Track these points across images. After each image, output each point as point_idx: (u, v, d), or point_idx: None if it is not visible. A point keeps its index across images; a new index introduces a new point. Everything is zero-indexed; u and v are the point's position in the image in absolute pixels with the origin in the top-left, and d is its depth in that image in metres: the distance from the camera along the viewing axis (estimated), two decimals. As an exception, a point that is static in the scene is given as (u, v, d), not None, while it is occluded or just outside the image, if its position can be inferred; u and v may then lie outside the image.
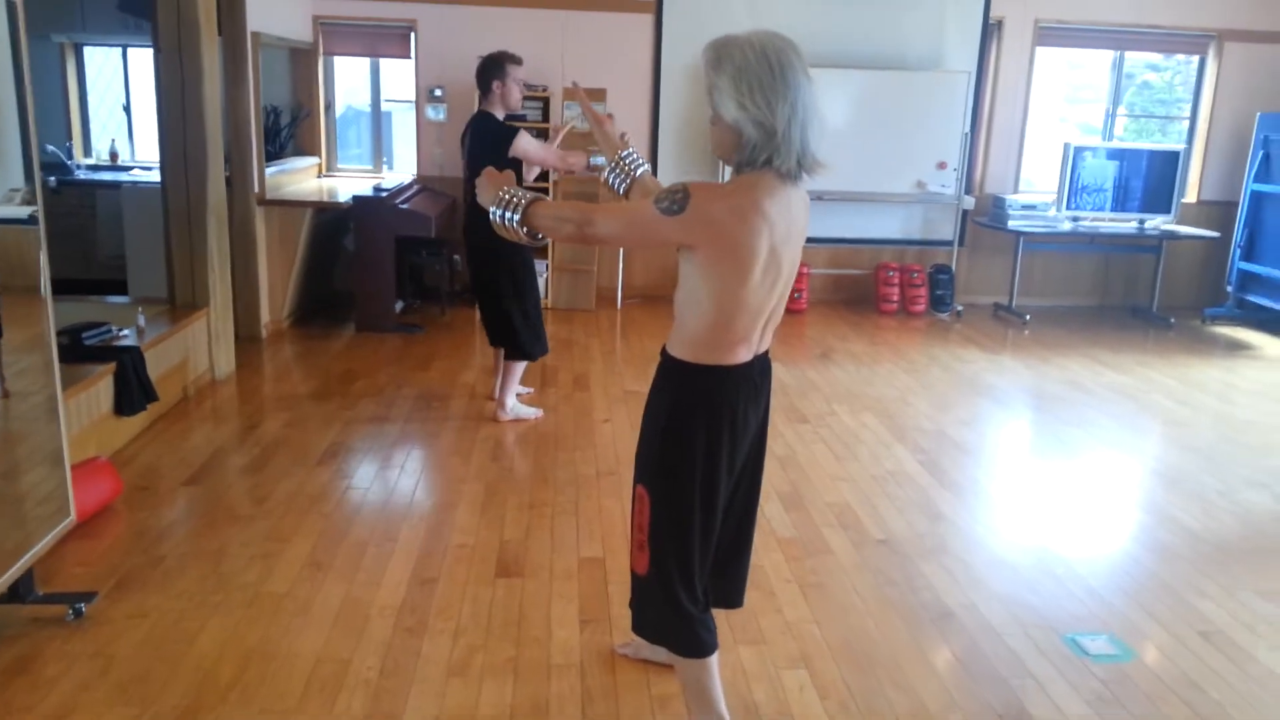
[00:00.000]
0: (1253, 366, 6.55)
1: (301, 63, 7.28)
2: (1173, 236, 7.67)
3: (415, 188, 7.03)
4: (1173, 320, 7.73)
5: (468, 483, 4.05)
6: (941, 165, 7.46)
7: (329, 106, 7.62)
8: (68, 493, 3.04)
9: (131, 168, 7.72)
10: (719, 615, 2.45)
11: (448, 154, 7.41)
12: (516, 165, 4.42)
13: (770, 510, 3.83)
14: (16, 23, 2.74)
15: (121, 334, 4.43)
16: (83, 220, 7.09)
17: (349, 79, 7.89)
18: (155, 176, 6.41)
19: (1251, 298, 7.70)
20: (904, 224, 7.81)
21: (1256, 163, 7.60)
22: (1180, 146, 7.76)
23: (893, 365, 6.19)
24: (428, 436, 4.58)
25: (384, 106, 7.89)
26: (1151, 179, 7.61)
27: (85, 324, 4.33)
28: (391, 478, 4.10)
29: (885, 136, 7.34)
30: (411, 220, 6.34)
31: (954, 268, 7.81)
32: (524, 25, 7.22)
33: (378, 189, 6.58)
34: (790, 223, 2.03)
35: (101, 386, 4.05)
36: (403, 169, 7.88)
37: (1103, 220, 7.69)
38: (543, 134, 6.76)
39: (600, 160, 4.62)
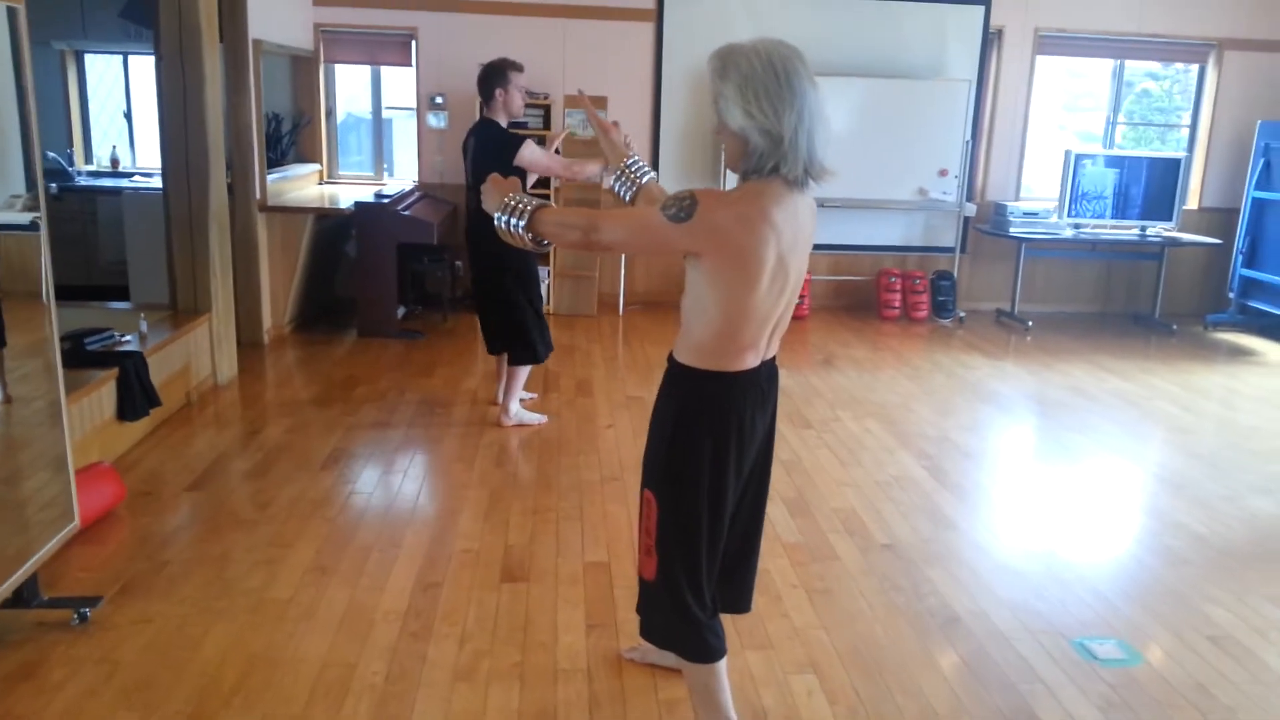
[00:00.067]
0: (1255, 372, 6.55)
1: (302, 70, 7.28)
2: (1175, 243, 7.68)
3: (417, 194, 7.03)
4: (1175, 326, 7.73)
5: (471, 488, 4.04)
6: (943, 172, 7.47)
7: (330, 114, 7.63)
8: (72, 498, 3.03)
9: (132, 174, 7.72)
10: (726, 620, 2.44)
11: (449, 161, 7.41)
12: (520, 174, 4.41)
13: (776, 515, 3.82)
14: (18, 30, 2.74)
15: (124, 339, 4.42)
16: (84, 226, 7.07)
17: (350, 86, 7.90)
18: (156, 183, 6.41)
19: (1253, 304, 7.71)
20: (906, 231, 7.82)
21: (1257, 170, 7.62)
22: (1181, 154, 7.77)
23: (895, 371, 6.18)
24: (431, 442, 4.56)
25: (385, 114, 7.89)
26: (1153, 186, 7.62)
27: (88, 330, 4.31)
28: (395, 483, 4.09)
29: (887, 144, 7.35)
30: (413, 227, 6.34)
31: (956, 274, 7.82)
32: (525, 33, 7.23)
33: (380, 195, 6.58)
34: (797, 230, 2.02)
35: (104, 392, 4.04)
36: (403, 176, 7.88)
37: (1104, 227, 7.70)
38: (543, 142, 6.77)
39: (594, 170, 4.61)
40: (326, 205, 6.62)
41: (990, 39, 7.63)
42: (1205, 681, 2.83)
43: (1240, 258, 7.76)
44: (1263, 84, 7.96)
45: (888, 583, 3.35)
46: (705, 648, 2.26)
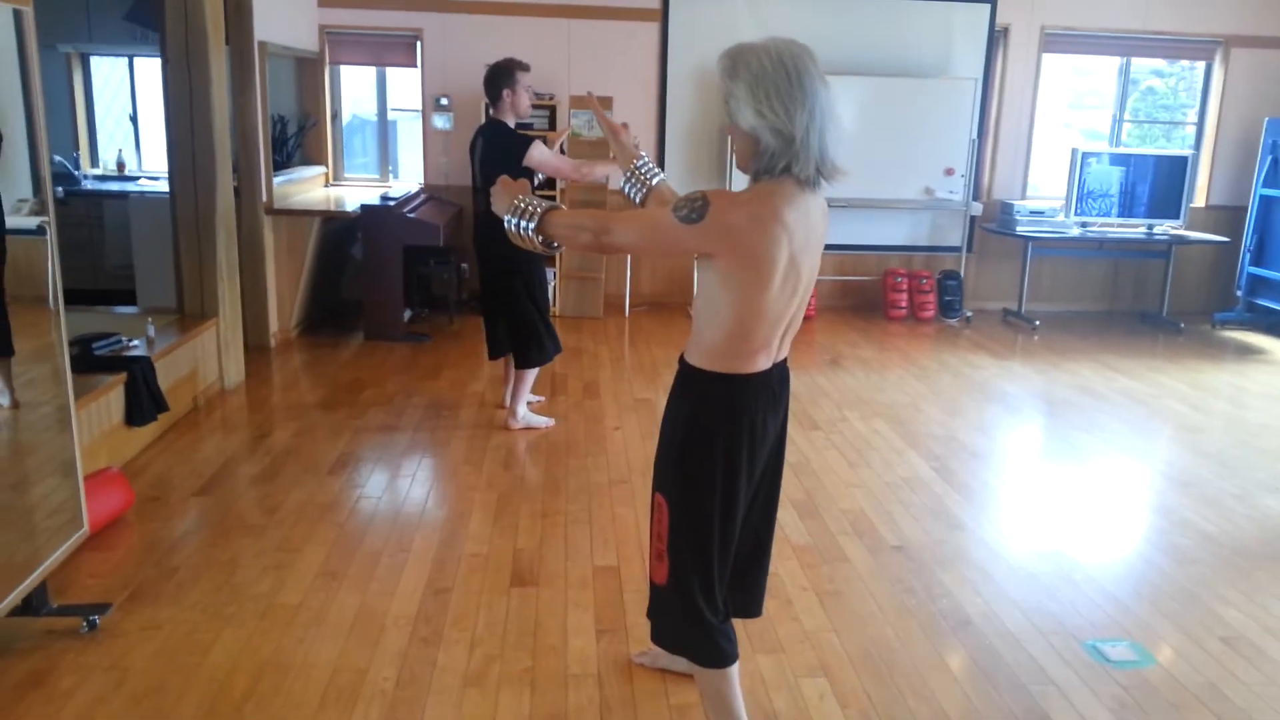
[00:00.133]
0: (1264, 371, 6.52)
1: (308, 72, 7.28)
2: (1182, 241, 7.65)
3: (422, 197, 7.03)
4: (1182, 325, 7.71)
5: (480, 491, 4.03)
6: (949, 172, 7.45)
7: (335, 116, 7.63)
8: (80, 504, 3.02)
9: (138, 178, 7.73)
10: (736, 624, 2.42)
11: (454, 163, 7.41)
12: (529, 174, 4.40)
13: (785, 518, 3.81)
14: (26, 33, 2.74)
15: (131, 344, 4.42)
16: (90, 231, 7.09)
17: (355, 88, 7.90)
18: (162, 186, 6.42)
19: (1261, 302, 7.68)
20: (912, 230, 7.80)
21: (1265, 167, 7.58)
22: (1188, 152, 7.75)
23: (903, 371, 6.17)
24: (438, 445, 4.56)
25: (390, 115, 7.89)
26: (1159, 184, 7.60)
27: (95, 334, 4.32)
28: (403, 487, 4.08)
29: (893, 143, 7.33)
30: (419, 229, 6.33)
31: (962, 274, 7.80)
32: (530, 34, 7.23)
33: (385, 198, 6.58)
34: (809, 230, 2.01)
35: (112, 397, 4.04)
36: (408, 178, 7.88)
37: (1111, 226, 7.67)
38: (546, 143, 6.75)
39: (602, 172, 4.60)
40: (332, 208, 6.62)
41: (996, 37, 7.60)
42: (1218, 682, 2.81)
43: (1248, 255, 7.73)
44: (1270, 81, 7.93)
45: (898, 585, 3.33)
46: (718, 652, 2.25)
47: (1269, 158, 7.57)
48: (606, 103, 7.35)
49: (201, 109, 4.96)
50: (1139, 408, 5.54)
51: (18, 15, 2.71)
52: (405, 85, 7.75)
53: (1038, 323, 7.57)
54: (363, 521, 3.71)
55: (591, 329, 7.00)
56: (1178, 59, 8.22)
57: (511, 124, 4.51)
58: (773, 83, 1.92)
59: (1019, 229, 7.45)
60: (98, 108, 7.95)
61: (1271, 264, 7.56)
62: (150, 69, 7.79)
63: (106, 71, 7.93)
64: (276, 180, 6.24)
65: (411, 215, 6.36)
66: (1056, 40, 7.79)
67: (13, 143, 2.76)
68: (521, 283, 4.53)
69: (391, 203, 6.39)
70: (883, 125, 7.28)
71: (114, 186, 7.39)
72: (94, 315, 5.09)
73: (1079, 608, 3.21)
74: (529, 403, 4.90)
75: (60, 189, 6.97)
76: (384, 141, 7.90)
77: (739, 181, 2.05)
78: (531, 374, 4.71)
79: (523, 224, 2.13)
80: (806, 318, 7.50)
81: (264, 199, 5.99)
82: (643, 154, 2.61)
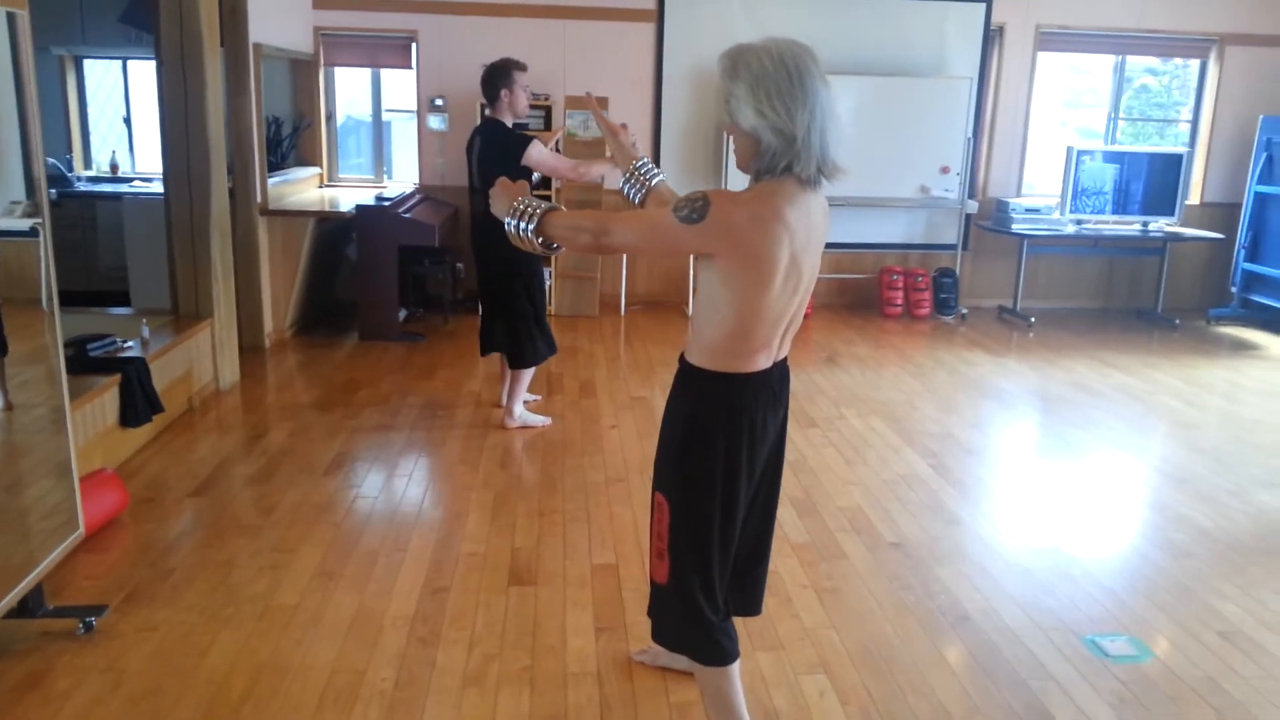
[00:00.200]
0: (1258, 366, 6.54)
1: (302, 73, 7.27)
2: (1177, 238, 7.67)
3: (417, 197, 7.02)
4: (1177, 321, 7.72)
5: (476, 491, 4.02)
6: (945, 170, 7.46)
7: (330, 117, 7.62)
8: (76, 505, 3.01)
9: (132, 179, 7.70)
10: (736, 621, 2.41)
11: (449, 163, 7.40)
12: (526, 174, 4.39)
13: (784, 515, 3.80)
14: (20, 36, 2.73)
15: (126, 345, 4.41)
16: (84, 232, 7.06)
17: (349, 89, 7.88)
18: (156, 188, 6.40)
19: (1256, 298, 7.70)
20: (908, 228, 7.81)
21: (1260, 165, 7.60)
22: (1183, 149, 7.77)
23: (898, 369, 6.17)
24: (434, 445, 4.55)
25: (384, 116, 7.87)
26: (1154, 182, 7.61)
27: (90, 336, 4.30)
28: (399, 486, 4.07)
29: (889, 142, 7.34)
30: (415, 229, 6.32)
31: (958, 271, 7.80)
32: (525, 34, 7.22)
33: (380, 198, 6.57)
34: (810, 229, 2.00)
35: (107, 398, 4.02)
36: (403, 178, 7.87)
37: (1106, 223, 7.68)
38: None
39: (600, 172, 4.59)
40: (327, 208, 6.61)
41: (991, 36, 7.61)
42: (1216, 676, 2.82)
43: (1243, 252, 7.75)
44: (1265, 78, 7.94)
45: (897, 581, 3.33)
46: (718, 651, 2.24)
47: (1263, 155, 7.58)
48: (602, 103, 7.34)
49: (196, 111, 4.95)
50: (1134, 404, 5.55)
51: (12, 18, 2.70)
52: (400, 86, 7.74)
53: (1033, 320, 7.58)
54: (359, 521, 3.70)
55: (587, 328, 7.00)
56: (1173, 57, 8.24)
57: (509, 124, 4.51)
58: (774, 82, 1.91)
59: (1014, 227, 7.46)
60: (91, 110, 7.93)
61: (1266, 260, 7.58)
62: (144, 71, 7.77)
63: (100, 74, 7.91)
64: (271, 181, 6.23)
65: (406, 215, 6.35)
66: (1051, 39, 7.80)
67: (6, 145, 2.75)
68: (521, 284, 4.53)
69: (386, 203, 6.39)
70: (879, 124, 7.28)
71: (107, 188, 7.36)
72: (88, 316, 5.07)
73: (1077, 603, 3.22)
74: (525, 401, 4.90)
75: (54, 191, 6.94)
76: (379, 142, 7.88)
77: (735, 181, 2.05)
78: (528, 373, 4.71)
79: (522, 225, 2.13)
80: (804, 316, 7.51)
81: (259, 200, 5.98)
82: (641, 155, 2.60)
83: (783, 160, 1.95)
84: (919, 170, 7.46)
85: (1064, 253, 8.01)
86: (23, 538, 2.78)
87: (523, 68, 4.52)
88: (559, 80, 7.32)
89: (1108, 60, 8.11)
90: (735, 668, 2.29)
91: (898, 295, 7.74)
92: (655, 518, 2.24)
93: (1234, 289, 7.87)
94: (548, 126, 7.20)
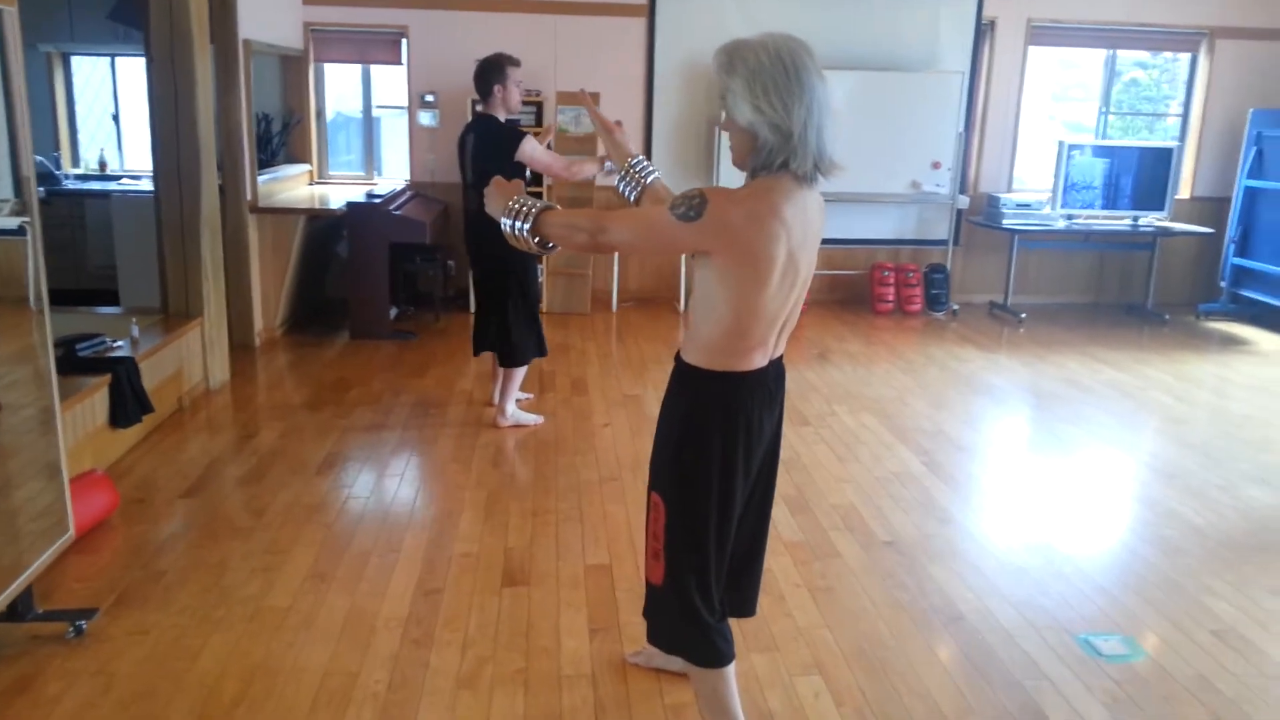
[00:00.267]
0: (1248, 361, 6.56)
1: (292, 70, 7.23)
2: (1167, 233, 7.69)
3: (408, 194, 6.99)
4: (1167, 316, 7.74)
5: (469, 490, 4.01)
6: (936, 165, 7.46)
7: (320, 113, 7.58)
8: (66, 507, 2.99)
9: (120, 177, 7.66)
10: (730, 622, 2.41)
11: (440, 160, 7.37)
12: (520, 170, 4.36)
13: (777, 513, 3.74)
14: (9, 33, 2.70)
15: (116, 345, 4.38)
16: (72, 231, 7.03)
17: (339, 85, 7.84)
18: (144, 186, 6.37)
19: (1245, 293, 7.72)
20: (899, 224, 7.81)
21: (1249, 159, 7.62)
22: (1173, 143, 7.78)
23: (890, 365, 6.17)
24: (426, 444, 4.54)
25: (375, 113, 7.84)
26: (1144, 176, 7.62)
27: (79, 335, 4.27)
28: (391, 486, 4.06)
29: (880, 137, 7.33)
30: (406, 226, 6.30)
31: (949, 267, 7.81)
32: (516, 30, 7.19)
33: (371, 195, 6.54)
34: (806, 226, 2.00)
35: (97, 398, 4.00)
36: (392, 175, 7.84)
37: (1096, 218, 7.70)
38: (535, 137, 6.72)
39: (591, 171, 4.57)
40: (317, 206, 6.58)
41: (983, 30, 7.61)
42: (1208, 675, 2.82)
43: (1232, 247, 7.77)
44: (1254, 72, 7.96)
45: (890, 580, 3.33)
46: (714, 652, 2.24)
47: (1253, 149, 7.60)
48: (595, 99, 7.32)
49: (186, 107, 4.91)
50: (1125, 399, 5.57)
51: (0, 15, 2.67)
52: (390, 82, 7.71)
53: (1024, 315, 7.59)
54: (351, 522, 3.69)
55: (579, 325, 6.98)
56: (1163, 50, 8.25)
57: (502, 118, 4.49)
58: (770, 78, 1.90)
59: (1005, 222, 7.47)
60: (79, 107, 7.87)
61: (1255, 255, 7.60)
62: (132, 68, 7.72)
63: (88, 71, 7.86)
64: (261, 178, 6.20)
65: (397, 212, 6.33)
66: (1043, 33, 7.80)
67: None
68: (515, 282, 4.51)
69: (377, 200, 6.36)
70: (870, 119, 7.28)
71: (96, 186, 7.32)
72: (77, 316, 5.04)
73: (1070, 601, 3.22)
74: (517, 400, 4.88)
75: (42, 189, 6.89)
76: (369, 139, 7.85)
77: (726, 176, 2.04)
78: (520, 371, 4.69)
79: (518, 225, 2.11)
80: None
81: (249, 197, 5.95)
82: (637, 152, 2.59)
83: (779, 157, 1.94)
84: (910, 165, 7.46)
85: (1054, 248, 8.02)
86: (12, 540, 2.76)
87: (516, 63, 4.50)
88: (550, 76, 7.29)
89: (1096, 54, 8.11)
90: (731, 669, 2.29)
91: (889, 291, 7.74)
92: (651, 518, 2.23)
93: (1223, 284, 7.89)
94: (539, 123, 7.18)
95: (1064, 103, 8.61)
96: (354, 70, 7.74)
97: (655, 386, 5.48)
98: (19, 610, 2.80)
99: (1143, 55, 8.42)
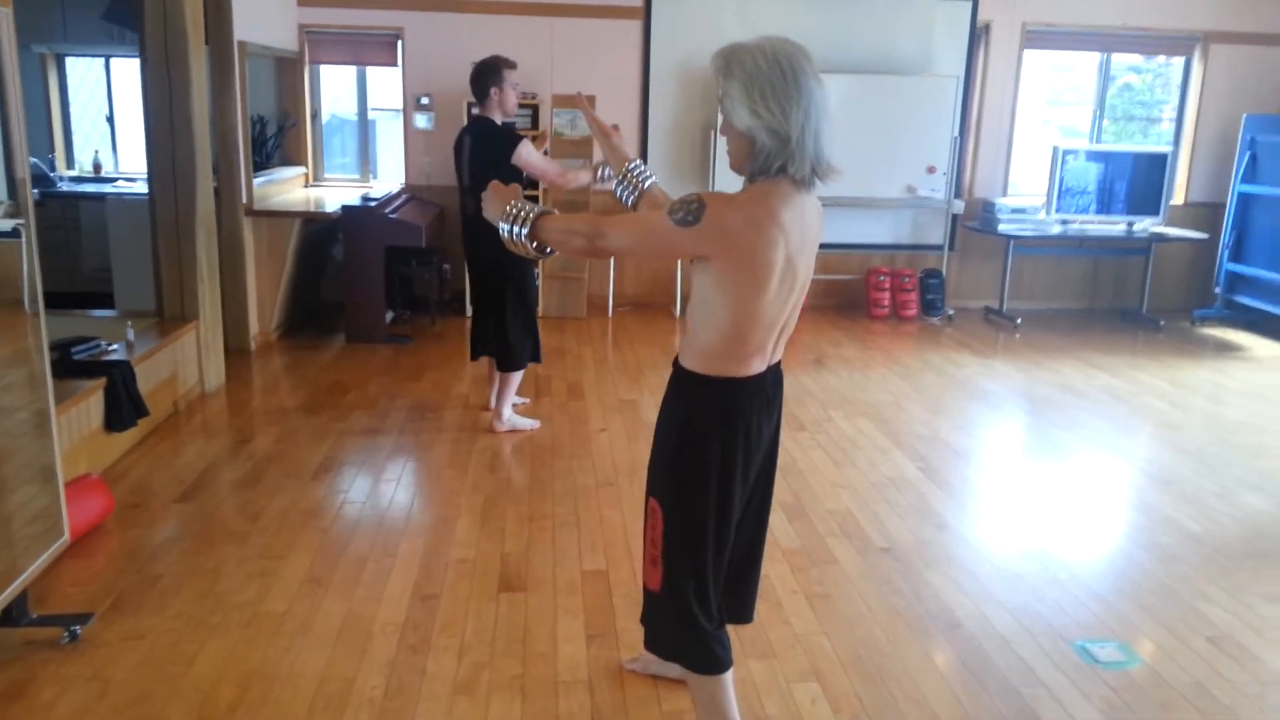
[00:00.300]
0: (1242, 367, 6.58)
1: (287, 71, 7.22)
2: (1161, 239, 7.70)
3: (404, 197, 6.98)
4: (1162, 322, 7.76)
5: (465, 495, 4.01)
6: (931, 170, 7.47)
7: (315, 115, 7.57)
8: (61, 512, 2.98)
9: (115, 179, 7.63)
10: (728, 628, 2.41)
11: (436, 163, 7.36)
12: (517, 173, 4.35)
13: (773, 519, 3.73)
14: (0, 34, 2.69)
15: (111, 348, 4.37)
16: (66, 233, 6.99)
17: (334, 87, 7.83)
18: (139, 188, 6.34)
19: (1240, 299, 7.74)
20: (894, 229, 7.82)
21: (1243, 164, 7.64)
22: (1167, 149, 7.80)
23: (886, 370, 6.18)
24: (423, 449, 4.53)
25: (370, 115, 7.83)
26: (1139, 181, 7.64)
27: (74, 339, 4.25)
28: (388, 491, 4.05)
29: (875, 141, 7.34)
30: (401, 230, 6.29)
31: (944, 272, 7.82)
32: (512, 32, 7.19)
33: (366, 198, 6.53)
34: (805, 231, 2.00)
35: (92, 402, 3.98)
36: (387, 178, 7.82)
37: (1092, 223, 7.71)
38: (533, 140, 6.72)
39: (586, 179, 4.56)
40: (313, 209, 6.56)
41: (978, 34, 7.63)
42: (1204, 682, 2.83)
43: (1226, 252, 7.79)
44: (1248, 77, 7.99)
45: (888, 587, 3.33)
46: (712, 659, 2.24)
47: (1247, 154, 7.62)
48: (590, 102, 7.32)
49: (181, 109, 4.90)
50: (1120, 405, 5.58)
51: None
52: (385, 84, 7.70)
53: (1019, 321, 7.61)
54: (347, 527, 3.68)
55: (575, 330, 6.98)
56: (1157, 55, 8.28)
57: (498, 121, 4.48)
58: (768, 81, 1.90)
59: (1000, 227, 7.48)
60: (73, 109, 7.85)
61: (1250, 260, 7.62)
62: (127, 70, 7.70)
63: (82, 72, 7.83)
64: (256, 181, 6.19)
65: (393, 216, 6.32)
66: (1037, 36, 7.82)
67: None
68: (513, 286, 4.51)
69: (373, 203, 6.35)
70: (865, 123, 7.29)
71: (90, 188, 7.29)
72: (71, 319, 5.03)
73: (1066, 608, 3.22)
74: (514, 405, 4.88)
75: (36, 191, 6.83)
76: (364, 141, 7.84)
77: (723, 180, 2.04)
78: (517, 376, 4.69)
79: (515, 230, 2.11)
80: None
81: (244, 200, 5.94)
82: (634, 157, 2.59)
83: (777, 161, 1.94)
84: (905, 170, 7.47)
85: (1049, 253, 8.04)
86: (6, 545, 2.74)
87: (512, 66, 4.50)
88: (546, 79, 7.29)
89: (1090, 58, 8.13)
90: (729, 676, 2.28)
91: (884, 296, 7.75)
92: (649, 524, 2.23)
93: (1218, 289, 7.91)
94: (534, 125, 7.18)
95: (1058, 107, 8.63)
96: (349, 72, 7.74)
97: (651, 391, 5.48)
98: (13, 615, 2.79)
99: (1136, 59, 8.44)
